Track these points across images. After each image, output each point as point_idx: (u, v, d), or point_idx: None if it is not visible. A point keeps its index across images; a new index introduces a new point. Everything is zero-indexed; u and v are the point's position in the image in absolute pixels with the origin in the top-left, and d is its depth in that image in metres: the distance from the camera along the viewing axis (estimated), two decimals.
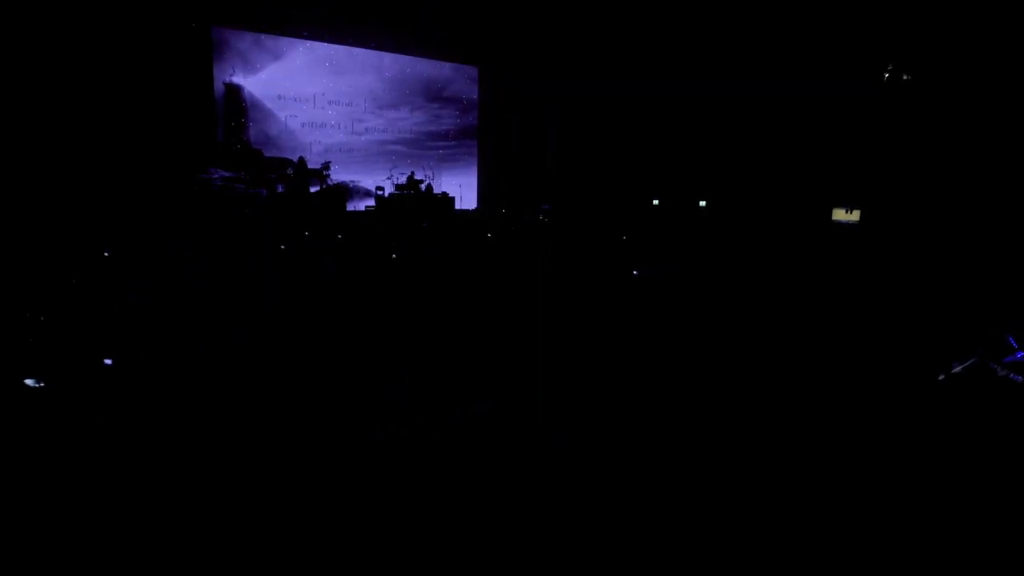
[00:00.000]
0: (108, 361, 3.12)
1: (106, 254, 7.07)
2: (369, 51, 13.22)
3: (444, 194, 14.40)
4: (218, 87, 11.65)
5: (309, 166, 12.95)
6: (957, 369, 3.50)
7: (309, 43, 12.50)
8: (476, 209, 14.94)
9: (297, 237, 9.74)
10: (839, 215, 9.14)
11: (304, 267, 7.47)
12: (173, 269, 7.26)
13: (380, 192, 13.72)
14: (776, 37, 10.62)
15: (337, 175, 13.36)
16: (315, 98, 12.80)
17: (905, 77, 8.28)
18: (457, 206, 14.45)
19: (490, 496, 2.85)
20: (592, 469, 3.12)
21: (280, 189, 12.43)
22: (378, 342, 5.03)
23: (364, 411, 3.71)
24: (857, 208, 8.87)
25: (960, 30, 7.97)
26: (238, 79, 11.88)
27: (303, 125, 12.76)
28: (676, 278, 7.25)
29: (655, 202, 12.87)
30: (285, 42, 12.24)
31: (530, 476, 3.03)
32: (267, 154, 12.45)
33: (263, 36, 11.95)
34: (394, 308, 5.88)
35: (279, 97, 12.37)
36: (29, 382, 3.35)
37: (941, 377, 3.58)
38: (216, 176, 11.88)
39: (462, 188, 14.65)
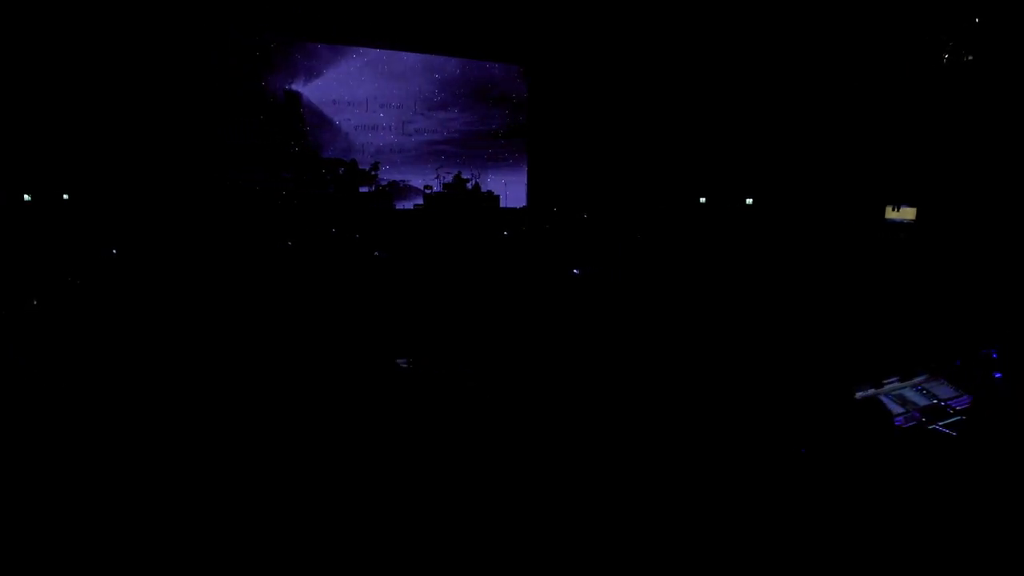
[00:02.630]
0: None
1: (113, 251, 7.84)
2: (418, 54, 13.68)
3: (489, 192, 14.63)
4: (279, 94, 12.58)
5: (360, 167, 13.70)
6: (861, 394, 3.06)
7: (362, 49, 13.15)
8: (524, 207, 15.02)
9: (310, 234, 10.28)
10: (891, 213, 8.24)
11: (305, 263, 7.90)
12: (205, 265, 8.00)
13: (428, 190, 14.23)
14: (823, 21, 9.76)
15: (388, 175, 13.98)
16: (367, 102, 13.45)
17: (968, 58, 7.29)
18: (502, 204, 14.63)
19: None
20: (588, 465, 3.06)
21: (331, 189, 13.26)
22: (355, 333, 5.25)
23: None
24: (910, 206, 7.94)
25: None
26: (297, 86, 12.77)
27: (356, 128, 13.46)
28: (611, 279, 6.89)
29: (702, 200, 12.30)
30: (339, 49, 12.96)
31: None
32: (323, 155, 13.29)
33: (320, 46, 12.75)
34: (375, 297, 6.11)
35: (333, 102, 13.14)
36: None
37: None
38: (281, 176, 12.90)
39: (507, 186, 14.78)
